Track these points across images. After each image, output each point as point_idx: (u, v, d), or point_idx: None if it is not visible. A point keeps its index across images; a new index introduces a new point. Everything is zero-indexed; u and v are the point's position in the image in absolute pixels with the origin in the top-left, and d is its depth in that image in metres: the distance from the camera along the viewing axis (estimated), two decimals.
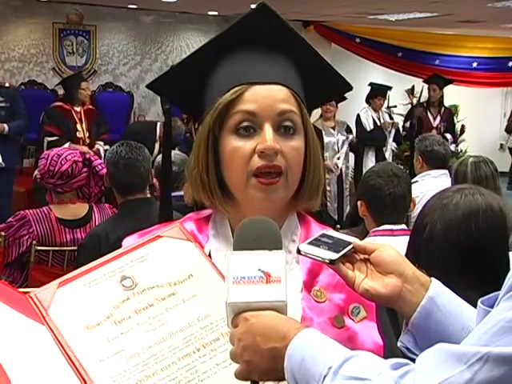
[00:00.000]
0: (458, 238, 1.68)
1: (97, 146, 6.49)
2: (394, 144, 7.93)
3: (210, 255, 1.18)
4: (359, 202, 2.80)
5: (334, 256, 1.04)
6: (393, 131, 7.85)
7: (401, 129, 8.17)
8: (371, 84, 7.97)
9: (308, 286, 1.14)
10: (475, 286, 1.54)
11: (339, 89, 1.35)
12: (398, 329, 1.17)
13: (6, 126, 5.99)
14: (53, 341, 1.03)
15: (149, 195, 3.30)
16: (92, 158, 3.52)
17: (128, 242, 1.20)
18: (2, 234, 3.37)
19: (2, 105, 6.03)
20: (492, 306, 0.90)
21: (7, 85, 6.51)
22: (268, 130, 1.11)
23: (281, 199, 1.14)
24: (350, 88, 1.29)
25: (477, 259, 1.67)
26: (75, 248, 3.35)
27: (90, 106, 6.88)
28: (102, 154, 6.18)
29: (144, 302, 1.08)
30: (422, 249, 1.74)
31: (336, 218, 6.96)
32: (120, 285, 1.09)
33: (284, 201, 1.16)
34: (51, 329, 1.04)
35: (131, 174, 3.13)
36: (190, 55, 1.21)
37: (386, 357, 0.95)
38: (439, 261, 1.68)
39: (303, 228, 1.22)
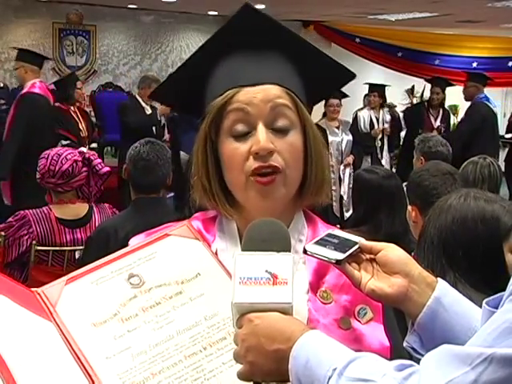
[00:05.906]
0: (447, 239, 1.64)
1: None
2: (387, 155, 7.75)
3: (216, 254, 1.17)
4: (410, 208, 2.48)
5: (341, 256, 1.03)
6: (385, 140, 7.67)
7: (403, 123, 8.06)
8: (366, 83, 7.95)
9: (314, 287, 1.13)
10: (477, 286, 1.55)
11: (342, 78, 1.31)
12: (406, 329, 1.16)
13: None
14: (60, 337, 1.02)
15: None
16: (91, 158, 3.51)
17: (134, 241, 1.19)
18: (2, 234, 3.36)
19: (4, 107, 5.96)
20: (497, 307, 0.89)
21: (1, 85, 6.41)
22: (261, 130, 1.10)
23: (281, 197, 1.13)
24: (353, 75, 1.27)
25: (466, 262, 1.63)
26: (75, 248, 3.36)
27: (78, 105, 6.87)
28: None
29: (151, 300, 1.08)
30: (420, 244, 1.73)
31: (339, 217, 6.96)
32: (127, 283, 1.09)
33: (286, 198, 1.14)
34: (58, 325, 1.04)
35: (148, 177, 3.05)
36: (184, 63, 1.21)
37: (393, 358, 0.94)
38: (429, 256, 1.66)
39: (310, 228, 1.21)
